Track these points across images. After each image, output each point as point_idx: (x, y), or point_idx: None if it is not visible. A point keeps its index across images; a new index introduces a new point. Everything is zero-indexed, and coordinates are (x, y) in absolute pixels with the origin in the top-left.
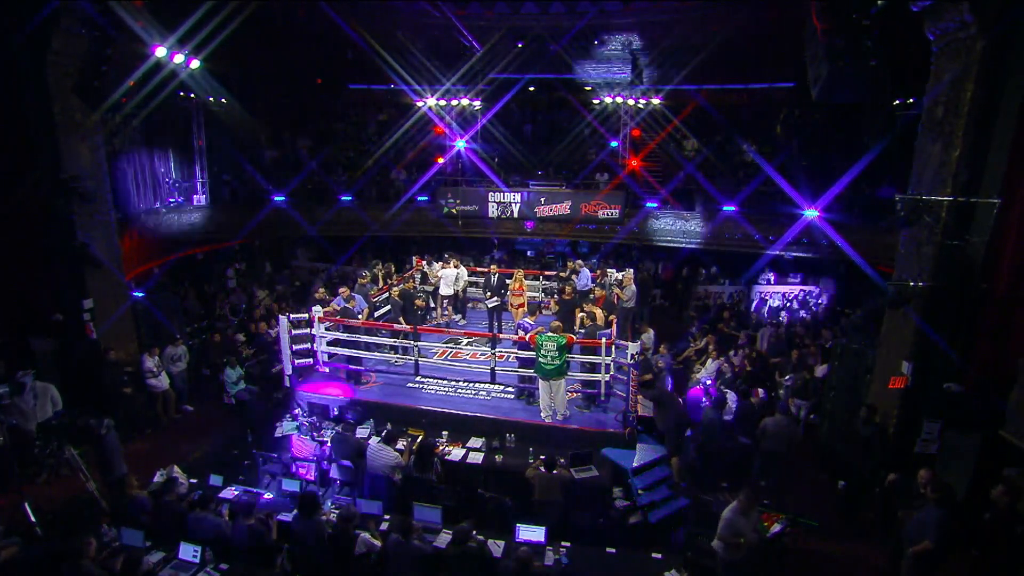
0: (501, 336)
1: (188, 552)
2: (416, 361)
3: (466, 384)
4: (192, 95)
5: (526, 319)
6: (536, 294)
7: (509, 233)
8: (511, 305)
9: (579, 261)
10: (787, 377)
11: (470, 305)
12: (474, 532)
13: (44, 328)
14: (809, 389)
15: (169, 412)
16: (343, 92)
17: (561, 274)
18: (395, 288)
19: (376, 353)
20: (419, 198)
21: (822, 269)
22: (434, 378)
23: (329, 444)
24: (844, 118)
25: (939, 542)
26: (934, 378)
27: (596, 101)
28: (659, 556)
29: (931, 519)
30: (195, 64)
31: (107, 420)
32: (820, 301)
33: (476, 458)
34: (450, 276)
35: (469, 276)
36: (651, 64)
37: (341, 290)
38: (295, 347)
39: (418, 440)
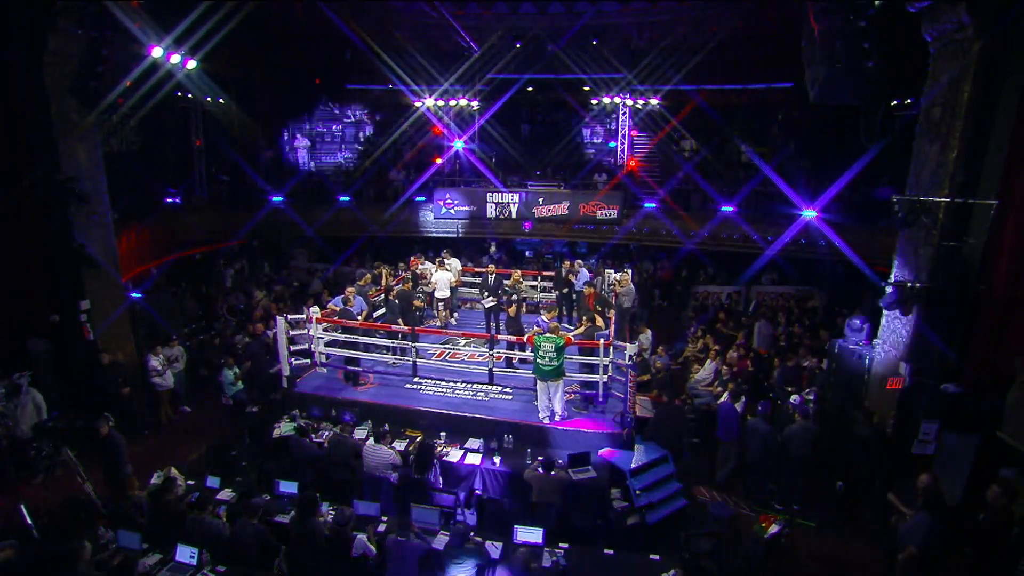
0: (499, 337)
1: (185, 554)
2: (414, 362)
3: (464, 385)
4: (190, 95)
5: (542, 317)
6: (536, 294)
7: (507, 233)
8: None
9: (579, 261)
10: (795, 398)
11: (468, 306)
12: (472, 534)
13: (41, 329)
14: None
15: (167, 413)
16: (342, 92)
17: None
18: (393, 289)
19: (374, 354)
20: (417, 198)
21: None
22: (432, 379)
23: (326, 446)
24: (842, 119)
25: (926, 547)
26: (932, 379)
27: (594, 101)
28: (657, 558)
29: (920, 524)
30: (192, 64)
31: (106, 414)
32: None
33: (474, 459)
34: (445, 279)
35: (467, 276)
36: (649, 65)
37: (349, 290)
38: (292, 348)
39: (416, 441)
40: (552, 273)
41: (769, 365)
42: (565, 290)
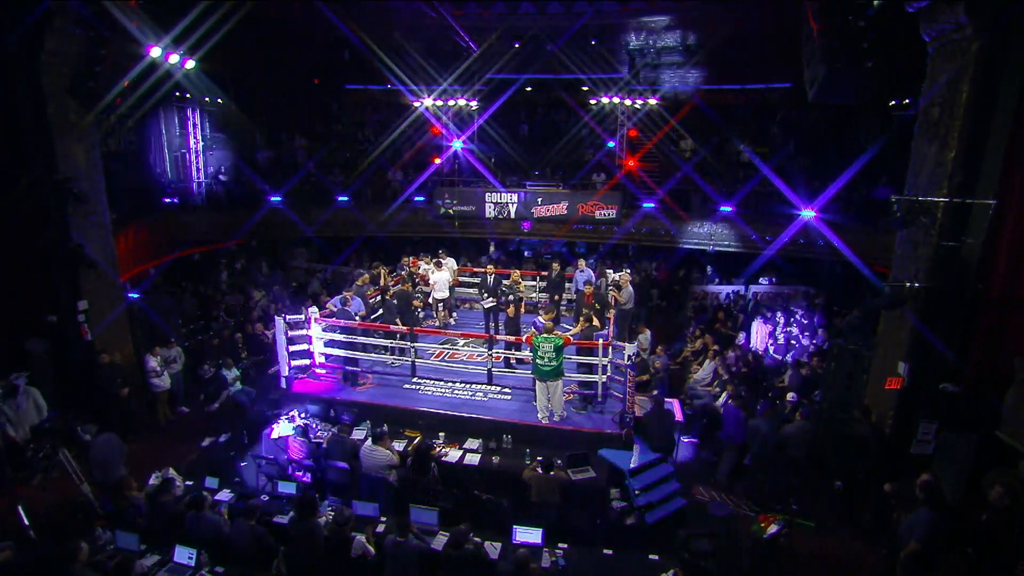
0: (498, 337)
1: (183, 555)
2: (413, 362)
3: (463, 385)
4: (188, 95)
5: (539, 317)
6: (534, 294)
7: (506, 233)
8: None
9: (582, 260)
10: (791, 396)
11: (467, 306)
12: (471, 534)
13: (39, 330)
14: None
15: (165, 414)
16: (340, 92)
17: (565, 273)
18: (392, 289)
19: (372, 354)
20: (416, 198)
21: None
22: (431, 379)
23: (325, 446)
24: (841, 119)
25: (927, 543)
26: (930, 379)
27: (593, 101)
28: (656, 558)
29: (920, 520)
30: (190, 64)
31: (88, 426)
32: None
33: (473, 459)
34: (443, 280)
35: (466, 276)
36: (648, 64)
37: (347, 293)
38: (291, 348)
39: (415, 442)
40: (545, 273)
41: (773, 363)
42: (556, 296)
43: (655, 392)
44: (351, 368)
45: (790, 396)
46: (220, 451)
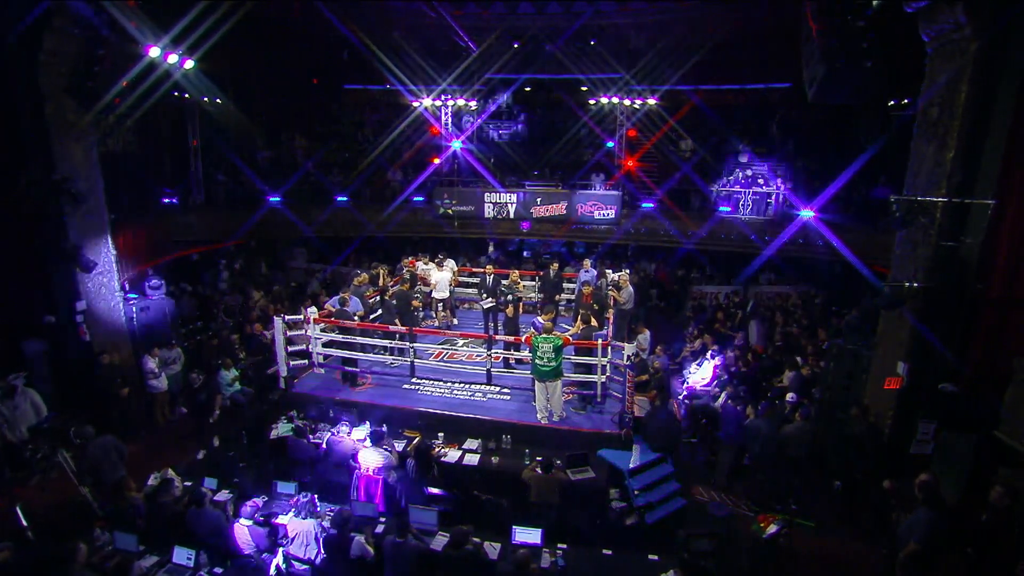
0: (497, 337)
1: (182, 556)
2: (412, 362)
3: (462, 385)
4: (187, 95)
5: (539, 317)
6: (532, 294)
7: (505, 233)
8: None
9: (587, 260)
10: (791, 396)
11: (466, 306)
12: (471, 535)
13: (36, 330)
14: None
15: (164, 414)
16: (339, 92)
17: (563, 273)
18: (391, 289)
19: (371, 355)
20: (415, 199)
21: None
22: (430, 379)
23: (324, 447)
24: (840, 119)
25: (926, 543)
26: (929, 378)
27: (592, 102)
28: (655, 558)
29: (919, 521)
30: (189, 64)
31: (85, 429)
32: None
33: (472, 460)
34: (444, 280)
35: (465, 277)
36: (647, 65)
37: (344, 293)
38: (290, 348)
39: (414, 442)
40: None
41: (773, 363)
42: (556, 296)
43: (653, 392)
44: (350, 368)
45: (790, 396)
46: (218, 452)
